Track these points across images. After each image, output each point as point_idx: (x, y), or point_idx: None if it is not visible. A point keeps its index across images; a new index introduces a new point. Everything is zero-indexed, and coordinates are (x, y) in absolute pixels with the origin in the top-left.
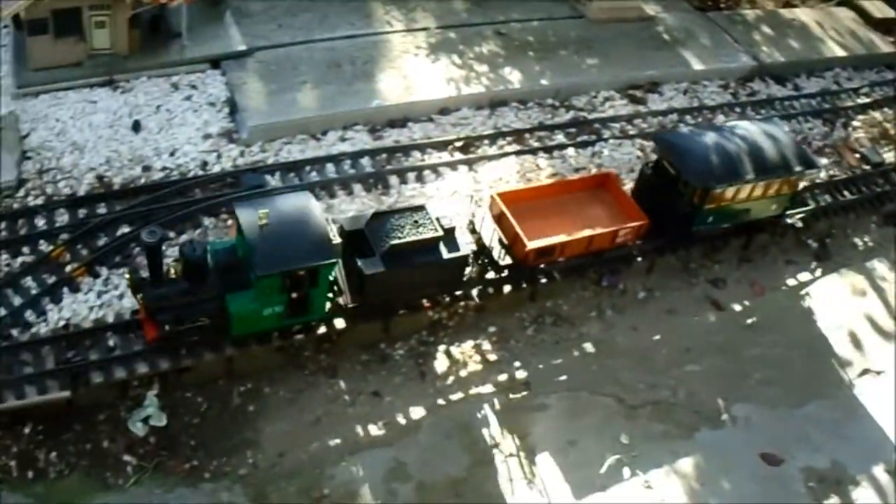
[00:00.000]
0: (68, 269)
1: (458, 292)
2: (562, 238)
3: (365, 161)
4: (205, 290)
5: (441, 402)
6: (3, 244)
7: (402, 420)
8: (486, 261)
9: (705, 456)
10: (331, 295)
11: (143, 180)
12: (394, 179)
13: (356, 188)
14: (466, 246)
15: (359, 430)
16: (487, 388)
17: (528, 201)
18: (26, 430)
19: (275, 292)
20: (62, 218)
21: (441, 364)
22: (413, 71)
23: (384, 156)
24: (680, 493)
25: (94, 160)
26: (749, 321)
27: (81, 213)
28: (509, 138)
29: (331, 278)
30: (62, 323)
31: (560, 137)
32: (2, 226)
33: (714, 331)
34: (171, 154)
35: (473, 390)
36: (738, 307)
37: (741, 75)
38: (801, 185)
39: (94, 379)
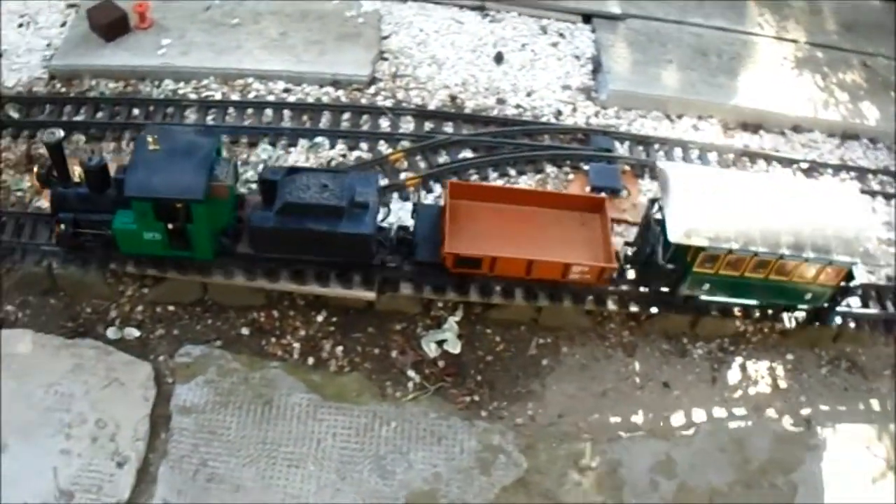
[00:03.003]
0: (402, 176)
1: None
2: (491, 252)
3: (712, 156)
4: (102, 202)
5: (723, 412)
6: (343, 134)
7: (682, 418)
8: (407, 251)
9: None
10: (227, 239)
11: (495, 112)
12: None
13: None
14: (373, 225)
15: (640, 414)
16: (770, 413)
17: (490, 202)
18: (319, 318)
19: (150, 218)
20: (407, 125)
21: (734, 375)
22: (775, 80)
23: (731, 156)
24: None
25: (451, 79)
26: None
27: (427, 126)
28: (853, 174)
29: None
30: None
31: None
32: (346, 116)
33: None
34: (528, 94)
35: (756, 410)
36: None
37: None
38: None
39: (402, 289)
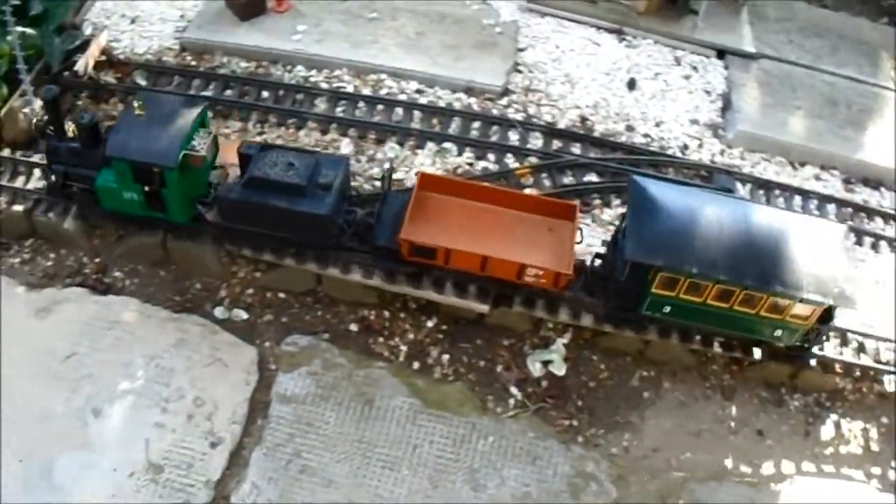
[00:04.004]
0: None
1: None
2: (445, 243)
3: (831, 207)
4: (91, 158)
5: (812, 467)
6: (471, 143)
7: (772, 468)
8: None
9: None
10: (203, 207)
11: (623, 138)
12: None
13: None
14: (332, 206)
15: (731, 459)
16: (859, 475)
17: (462, 198)
18: (429, 324)
19: (129, 179)
20: (536, 142)
21: (827, 431)
22: None
23: (849, 210)
24: None
25: (582, 100)
26: None
27: (556, 144)
28: None
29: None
30: None
31: None
32: (476, 125)
33: None
34: (657, 125)
35: (845, 470)
36: None
37: None
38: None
39: (515, 306)
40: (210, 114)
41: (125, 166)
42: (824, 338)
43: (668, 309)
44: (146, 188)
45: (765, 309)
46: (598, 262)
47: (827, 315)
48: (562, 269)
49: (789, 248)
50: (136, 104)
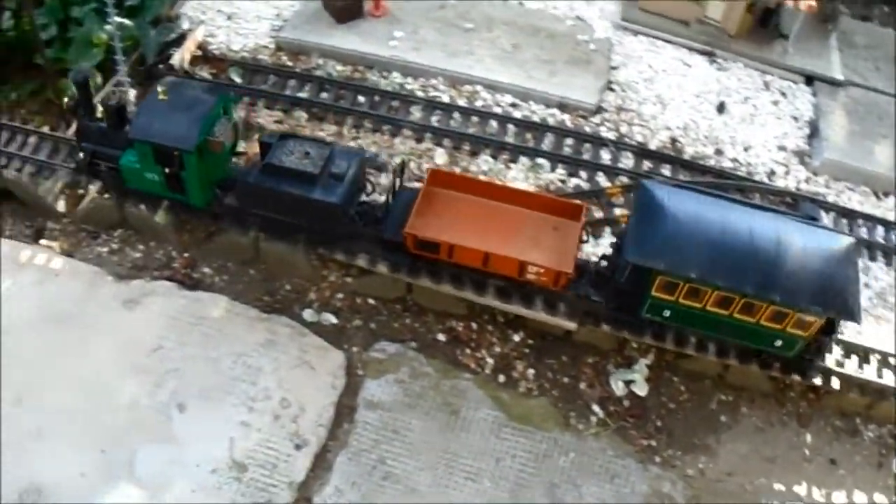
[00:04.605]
0: (617, 211)
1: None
2: (449, 238)
3: None
4: (117, 139)
5: (884, 499)
6: (564, 159)
7: (843, 497)
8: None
9: None
10: (220, 190)
11: (711, 161)
12: None
13: None
14: (344, 196)
15: (804, 486)
16: None
17: (472, 195)
18: (516, 338)
19: (150, 160)
20: (627, 161)
21: None
22: None
23: None
24: None
25: (673, 121)
26: None
27: (647, 165)
28: None
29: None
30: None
31: None
32: (568, 142)
33: None
34: (745, 149)
35: None
36: None
37: None
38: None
39: (602, 324)
40: (236, 104)
41: (147, 148)
42: (827, 350)
43: (667, 313)
44: (166, 170)
45: (765, 318)
46: (604, 263)
47: (830, 327)
48: (562, 267)
49: (794, 258)
50: (160, 89)
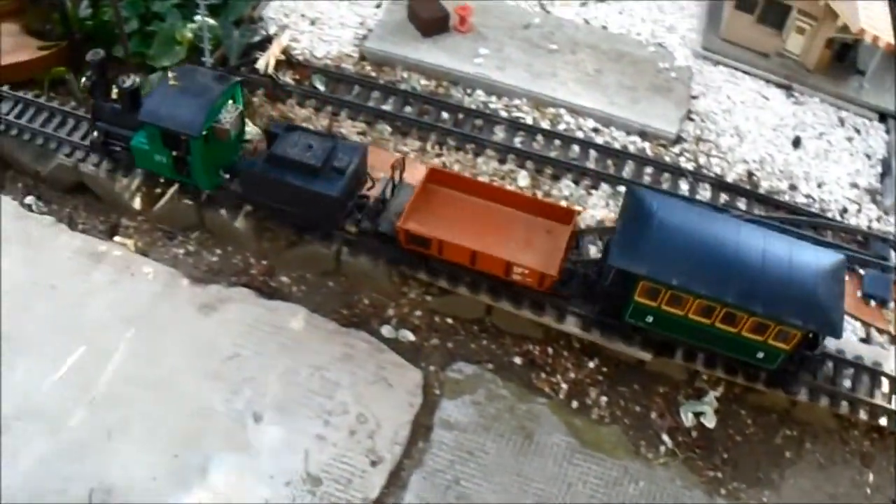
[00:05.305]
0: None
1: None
2: (440, 235)
3: None
4: (130, 120)
5: None
6: (643, 187)
7: None
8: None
9: None
10: (227, 175)
11: (786, 197)
12: None
13: None
14: (342, 189)
15: None
16: None
17: (469, 195)
18: (591, 365)
19: (158, 143)
20: (704, 193)
21: None
22: None
23: None
24: None
25: (750, 154)
26: None
27: (723, 197)
28: None
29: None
30: None
31: None
32: (648, 170)
33: None
34: (819, 185)
35: None
36: None
37: None
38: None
39: (676, 357)
40: (242, 91)
41: (156, 131)
42: (817, 367)
43: (650, 319)
44: (174, 153)
45: (747, 329)
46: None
47: (813, 342)
48: (547, 270)
49: (778, 271)
50: (171, 75)
